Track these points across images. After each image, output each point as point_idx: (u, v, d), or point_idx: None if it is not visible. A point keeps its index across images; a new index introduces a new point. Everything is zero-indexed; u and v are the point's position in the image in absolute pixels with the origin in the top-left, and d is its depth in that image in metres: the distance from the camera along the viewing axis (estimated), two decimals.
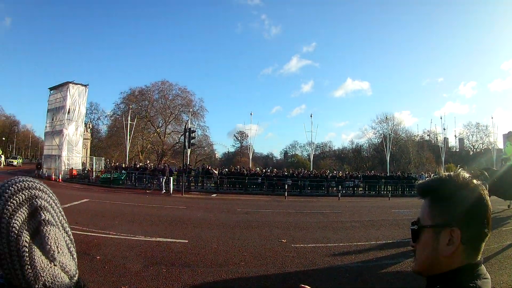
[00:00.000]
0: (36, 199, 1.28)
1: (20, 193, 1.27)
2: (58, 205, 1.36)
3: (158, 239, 12.42)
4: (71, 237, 1.35)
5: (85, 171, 51.10)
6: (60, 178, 45.66)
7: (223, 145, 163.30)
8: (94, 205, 21.07)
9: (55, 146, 51.74)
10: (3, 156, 77.09)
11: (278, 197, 35.26)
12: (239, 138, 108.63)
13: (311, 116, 68.46)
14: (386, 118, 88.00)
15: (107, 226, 13.84)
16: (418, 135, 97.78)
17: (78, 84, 52.87)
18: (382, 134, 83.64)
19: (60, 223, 1.32)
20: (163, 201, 26.79)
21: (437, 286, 1.44)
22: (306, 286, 1.79)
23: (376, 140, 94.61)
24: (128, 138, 66.77)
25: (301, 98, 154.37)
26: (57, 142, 51.70)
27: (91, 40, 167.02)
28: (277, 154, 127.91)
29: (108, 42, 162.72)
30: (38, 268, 1.19)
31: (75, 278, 1.32)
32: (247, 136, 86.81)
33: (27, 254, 1.19)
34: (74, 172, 49.74)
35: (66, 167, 50.31)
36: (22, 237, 1.20)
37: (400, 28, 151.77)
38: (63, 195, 25.76)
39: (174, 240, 12.53)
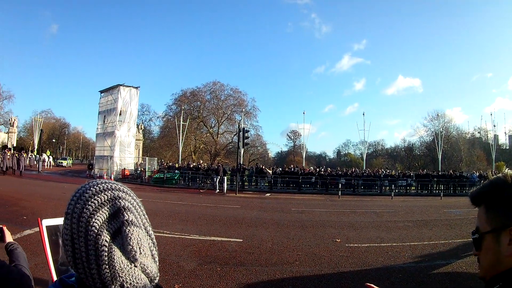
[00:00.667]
0: (119, 200, 1.30)
1: (102, 193, 1.29)
2: (142, 207, 1.38)
3: (212, 238, 12.57)
4: (154, 240, 1.35)
5: (138, 171, 51.94)
6: (112, 178, 45.54)
7: (276, 144, 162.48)
8: (147, 204, 20.93)
9: (107, 147, 52.93)
10: (51, 157, 78.48)
11: (332, 197, 34.98)
12: (292, 138, 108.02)
13: (363, 114, 68.24)
14: (437, 115, 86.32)
15: (160, 225, 14.11)
16: (468, 132, 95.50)
17: (129, 86, 53.98)
18: (434, 132, 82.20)
19: (143, 225, 1.33)
20: (217, 201, 27.03)
21: (499, 284, 1.44)
22: (372, 285, 1.89)
23: (427, 138, 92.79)
24: (180, 139, 67.53)
25: (353, 97, 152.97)
26: (109, 143, 52.94)
27: (142, 43, 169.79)
28: (330, 153, 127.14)
29: (158, 44, 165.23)
30: (116, 268, 1.19)
31: (156, 281, 1.32)
32: (300, 135, 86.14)
33: (106, 254, 1.19)
34: (127, 172, 50.73)
35: (118, 168, 51.38)
36: (102, 237, 1.20)
37: (449, 23, 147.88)
38: None
39: (228, 239, 12.64)
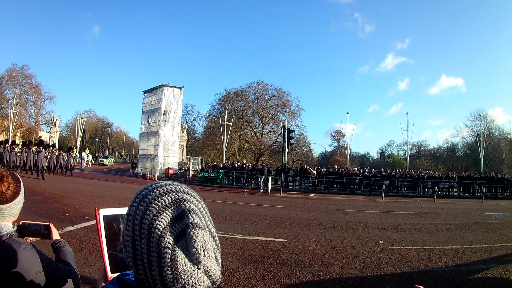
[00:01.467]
0: (184, 202, 1.29)
1: (166, 195, 1.30)
2: (206, 209, 1.38)
3: (257, 237, 12.72)
4: (218, 242, 1.34)
5: (182, 170, 52.35)
6: (156, 177, 47.37)
7: (320, 144, 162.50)
8: None
9: (151, 146, 53.78)
10: (90, 156, 79.50)
11: (375, 198, 34.98)
12: (336, 138, 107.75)
13: (406, 114, 66.96)
14: (480, 115, 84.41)
15: None
16: (510, 133, 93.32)
17: (173, 86, 54.67)
18: (476, 133, 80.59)
19: (207, 227, 1.32)
20: (262, 200, 27.23)
21: None
22: (421, 287, 1.88)
23: (470, 139, 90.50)
24: (225, 138, 67.82)
25: (397, 96, 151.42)
26: (153, 143, 53.91)
27: (185, 43, 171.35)
28: (374, 154, 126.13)
29: (201, 44, 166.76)
30: (179, 270, 1.18)
31: (218, 283, 1.30)
32: (344, 135, 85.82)
33: (169, 256, 1.19)
34: (171, 171, 51.19)
35: (162, 167, 52.02)
36: (165, 239, 1.20)
37: (491, 21, 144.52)
38: None
39: (273, 239, 12.72)
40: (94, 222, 13.95)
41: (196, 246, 1.20)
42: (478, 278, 9.23)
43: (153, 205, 1.26)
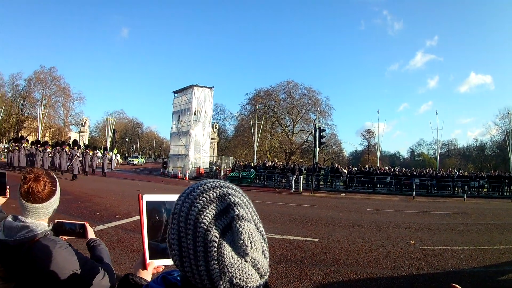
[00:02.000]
0: (229, 196, 1.27)
1: (211, 191, 1.29)
2: (252, 205, 1.34)
3: (288, 237, 12.74)
4: (265, 237, 1.31)
5: (213, 170, 52.55)
6: (187, 176, 47.71)
7: (350, 143, 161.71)
8: None
9: (182, 146, 54.24)
10: (118, 155, 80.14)
11: (406, 197, 34.75)
12: (367, 137, 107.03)
13: (436, 113, 66.26)
14: (508, 113, 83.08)
15: None
16: None
17: (203, 86, 55.02)
18: (505, 131, 79.33)
19: (254, 221, 1.29)
20: (293, 200, 27.34)
21: None
22: (457, 286, 1.88)
23: (499, 137, 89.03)
24: (256, 138, 68.02)
25: (427, 94, 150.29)
26: (184, 142, 54.36)
27: (214, 43, 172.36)
28: (404, 153, 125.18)
29: (230, 44, 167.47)
30: (226, 264, 1.16)
31: (266, 277, 1.27)
32: (374, 134, 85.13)
33: (215, 250, 1.17)
34: (202, 171, 51.55)
35: (193, 166, 52.32)
36: (211, 232, 1.19)
37: None
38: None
39: (305, 238, 12.75)
40: (125, 221, 14.07)
41: (243, 238, 1.19)
42: (507, 279, 9.22)
43: (198, 200, 1.27)
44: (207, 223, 1.20)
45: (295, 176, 36.89)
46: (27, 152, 39.48)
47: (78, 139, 55.92)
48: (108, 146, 75.78)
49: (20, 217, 2.58)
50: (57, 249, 2.47)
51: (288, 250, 11.06)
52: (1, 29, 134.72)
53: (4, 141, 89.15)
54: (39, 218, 2.61)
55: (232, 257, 1.17)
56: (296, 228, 14.67)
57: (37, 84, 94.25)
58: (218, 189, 1.30)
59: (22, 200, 2.54)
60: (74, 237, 2.97)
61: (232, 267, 1.16)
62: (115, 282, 2.70)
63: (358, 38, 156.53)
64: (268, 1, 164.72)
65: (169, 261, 1.62)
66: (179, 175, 50.61)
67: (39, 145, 41.70)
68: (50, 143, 46.85)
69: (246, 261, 1.19)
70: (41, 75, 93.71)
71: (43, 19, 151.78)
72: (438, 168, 56.82)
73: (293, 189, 36.41)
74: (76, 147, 38.30)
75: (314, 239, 12.75)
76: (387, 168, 51.52)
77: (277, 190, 36.89)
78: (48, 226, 2.67)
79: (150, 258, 1.81)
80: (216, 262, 1.16)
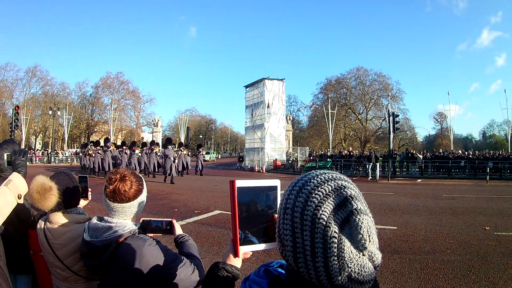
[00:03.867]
0: (345, 189, 1.24)
1: (325, 184, 1.25)
2: (362, 195, 1.30)
3: None
4: (375, 226, 1.25)
5: (290, 161, 52.75)
6: (264, 169, 47.98)
7: (424, 128, 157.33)
8: None
9: (257, 139, 54.73)
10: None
11: (480, 181, 33.96)
12: (439, 120, 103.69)
13: (505, 91, 63.18)
14: None
15: None
16: None
17: (274, 79, 54.93)
18: None
19: (366, 212, 1.24)
20: (371, 188, 27.32)
21: None
22: None
23: None
24: (330, 127, 67.81)
25: (496, 73, 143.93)
26: (259, 136, 54.78)
27: (281, 34, 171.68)
28: (476, 135, 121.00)
29: (298, 35, 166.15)
30: (346, 259, 1.15)
31: (378, 268, 1.26)
32: (446, 117, 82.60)
33: (335, 246, 1.15)
34: (278, 163, 51.91)
35: (270, 159, 52.42)
36: (331, 228, 1.16)
37: None
38: None
39: (383, 226, 12.73)
40: (204, 216, 14.69)
41: (362, 232, 1.17)
42: None
43: (313, 195, 1.23)
44: (326, 219, 1.18)
45: (371, 164, 36.82)
46: (112, 155, 39.18)
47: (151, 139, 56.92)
48: (177, 143, 77.13)
49: (105, 217, 2.70)
50: (146, 246, 2.54)
51: None
52: (66, 41, 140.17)
53: (76, 146, 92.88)
54: (126, 218, 2.71)
55: (351, 252, 1.17)
56: (375, 216, 13.79)
57: (105, 90, 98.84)
58: (333, 181, 1.27)
59: (108, 200, 2.64)
60: (161, 234, 3.03)
61: (352, 262, 1.16)
62: (203, 275, 2.67)
63: (426, 19, 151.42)
64: None
65: (259, 247, 1.67)
66: (256, 168, 51.15)
67: (124, 147, 40.45)
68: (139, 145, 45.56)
69: (363, 255, 1.20)
70: (108, 80, 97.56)
71: (107, 28, 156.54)
72: (510, 150, 55.15)
73: (370, 177, 36.43)
74: (170, 146, 35.24)
75: (392, 227, 12.84)
76: (460, 151, 50.00)
77: (354, 178, 36.12)
78: (135, 224, 2.76)
79: (241, 244, 1.69)
80: (336, 258, 1.16)
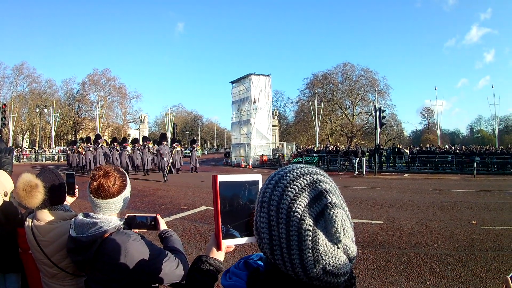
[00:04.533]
0: (320, 183, 1.25)
1: (301, 178, 1.27)
2: (338, 189, 1.33)
3: (354, 220, 11.85)
4: (351, 220, 1.28)
5: (276, 157, 52.66)
6: (250, 164, 48.16)
7: (410, 123, 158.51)
8: None
9: (243, 135, 54.67)
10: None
11: (467, 176, 34.27)
12: (426, 115, 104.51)
13: (492, 87, 63.81)
14: None
15: None
16: None
17: (260, 75, 54.96)
18: None
19: (342, 206, 1.26)
20: (357, 183, 27.51)
21: None
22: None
23: None
24: (316, 122, 67.91)
25: (484, 69, 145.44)
26: (245, 131, 54.84)
27: (267, 30, 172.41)
28: (463, 130, 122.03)
29: (284, 31, 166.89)
30: (320, 252, 1.17)
31: (354, 260, 1.28)
32: (433, 112, 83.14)
33: (310, 238, 1.17)
34: (265, 158, 52.17)
35: (256, 154, 52.69)
36: (306, 221, 1.18)
37: None
38: None
39: (369, 221, 12.88)
40: (190, 212, 14.54)
41: (336, 225, 1.18)
42: None
43: (289, 188, 1.25)
44: (301, 212, 1.19)
45: (357, 159, 36.91)
46: (103, 152, 37.10)
47: (138, 136, 56.37)
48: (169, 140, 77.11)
49: (91, 214, 2.72)
50: (131, 242, 2.56)
51: (354, 234, 11.10)
52: (51, 38, 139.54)
53: (63, 144, 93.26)
54: (111, 213, 2.73)
55: (326, 244, 1.18)
56: (361, 211, 14.82)
57: (91, 87, 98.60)
58: (308, 175, 1.29)
59: (93, 197, 2.65)
60: (146, 230, 3.07)
61: (326, 255, 1.18)
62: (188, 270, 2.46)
63: (415, 16, 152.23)
64: None
65: (241, 241, 1.71)
66: (242, 163, 51.49)
67: (115, 143, 38.27)
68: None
69: (338, 248, 1.21)
70: (94, 77, 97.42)
71: (93, 24, 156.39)
72: (497, 145, 55.40)
73: (357, 172, 36.47)
74: (164, 142, 35.26)
75: (379, 222, 12.89)
76: (447, 146, 50.66)
77: (340, 173, 36.73)
78: (120, 220, 2.78)
79: (223, 238, 1.74)
80: (310, 251, 1.17)
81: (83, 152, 37.96)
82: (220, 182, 1.64)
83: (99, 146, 36.83)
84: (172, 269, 2.62)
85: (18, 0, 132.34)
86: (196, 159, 40.95)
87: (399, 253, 9.29)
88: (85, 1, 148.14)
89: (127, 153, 37.85)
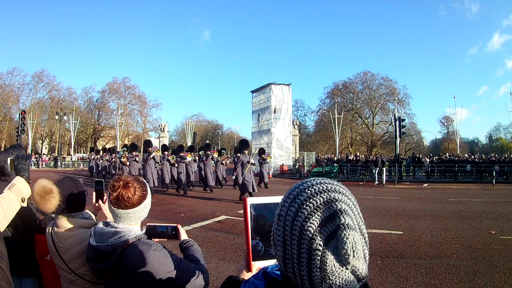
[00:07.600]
0: (336, 203, 1.23)
1: (318, 196, 1.25)
2: (357, 206, 1.31)
3: (373, 230, 12.73)
4: (367, 239, 1.28)
5: (296, 166, 52.53)
6: (270, 174, 46.94)
7: (430, 132, 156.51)
8: None
9: (264, 144, 53.48)
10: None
11: (486, 185, 33.76)
12: (445, 124, 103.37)
13: (510, 94, 62.95)
14: None
15: None
16: None
17: (281, 84, 54.86)
18: None
19: (359, 226, 1.25)
20: (377, 193, 27.21)
21: None
22: None
23: None
24: (336, 132, 67.45)
25: (506, 76, 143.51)
26: (266, 141, 54.28)
27: (289, 42, 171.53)
28: (482, 138, 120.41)
29: (304, 39, 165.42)
30: (327, 272, 1.16)
31: (363, 280, 1.26)
32: (453, 121, 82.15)
33: (319, 258, 1.17)
34: (285, 168, 51.66)
35: (276, 164, 52.21)
36: (316, 241, 1.18)
37: None
38: (274, 190, 27.57)
39: (389, 231, 12.77)
40: (210, 221, 14.67)
41: (346, 247, 1.17)
42: None
43: (304, 206, 1.24)
44: (312, 231, 1.20)
45: (377, 168, 36.63)
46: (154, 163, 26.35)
47: (158, 144, 55.75)
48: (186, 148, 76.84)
49: (111, 223, 2.73)
50: (152, 251, 2.56)
51: (373, 244, 10.62)
52: (74, 46, 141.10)
53: (82, 151, 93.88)
54: (131, 223, 2.72)
55: (334, 265, 1.18)
56: (381, 221, 14.75)
57: (111, 95, 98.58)
58: (326, 193, 1.26)
59: (113, 207, 2.64)
60: (166, 239, 3.07)
61: (333, 275, 1.18)
62: (209, 280, 2.81)
63: (438, 24, 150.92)
64: None
65: (272, 262, 1.74)
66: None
67: (166, 153, 29.16)
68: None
69: (347, 268, 1.19)
70: (114, 85, 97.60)
71: (114, 33, 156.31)
72: None
73: (376, 182, 36.18)
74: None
75: (398, 232, 12.77)
76: (466, 155, 49.82)
77: (360, 183, 36.63)
78: (141, 230, 2.79)
79: (253, 260, 1.79)
80: (318, 270, 1.17)
81: (127, 163, 28.70)
82: (250, 204, 1.73)
83: (151, 156, 25.25)
84: (193, 279, 2.65)
85: (39, 9, 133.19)
86: (265, 173, 32.87)
87: (418, 263, 9.19)
88: (107, 10, 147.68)
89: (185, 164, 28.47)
